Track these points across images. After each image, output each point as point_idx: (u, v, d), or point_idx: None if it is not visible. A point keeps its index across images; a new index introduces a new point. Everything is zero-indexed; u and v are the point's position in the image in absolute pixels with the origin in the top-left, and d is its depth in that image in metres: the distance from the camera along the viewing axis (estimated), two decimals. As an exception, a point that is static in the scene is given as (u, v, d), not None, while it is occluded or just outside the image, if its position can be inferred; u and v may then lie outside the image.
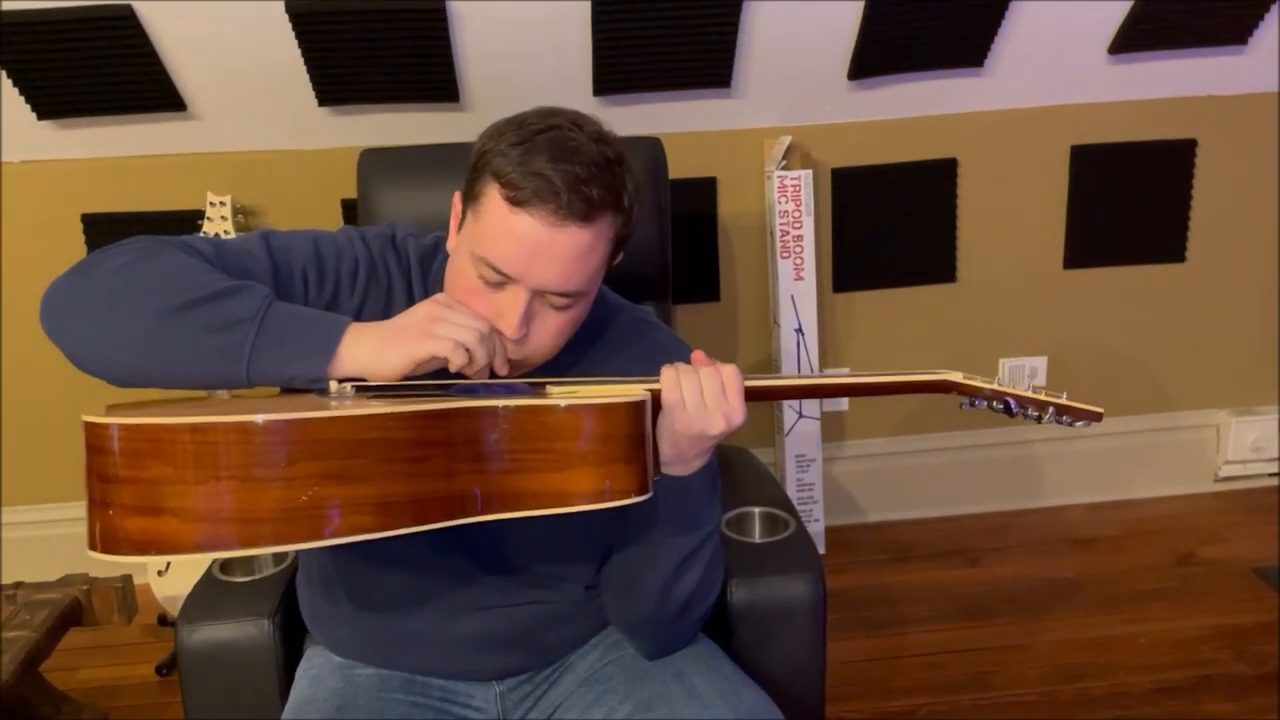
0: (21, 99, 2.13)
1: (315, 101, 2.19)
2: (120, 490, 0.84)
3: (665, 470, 1.08)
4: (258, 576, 1.43)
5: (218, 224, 2.19)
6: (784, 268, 2.41)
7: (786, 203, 2.38)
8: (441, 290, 1.12)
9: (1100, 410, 1.14)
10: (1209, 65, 2.42)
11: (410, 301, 1.15)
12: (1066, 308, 2.63)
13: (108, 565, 1.99)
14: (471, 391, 1.03)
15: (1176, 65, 2.41)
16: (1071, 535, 2.62)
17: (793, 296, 2.43)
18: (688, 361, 1.08)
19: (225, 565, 1.45)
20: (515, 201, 1.01)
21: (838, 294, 2.57)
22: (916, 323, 2.61)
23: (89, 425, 0.85)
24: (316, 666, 1.26)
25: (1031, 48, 2.31)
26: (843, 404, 2.65)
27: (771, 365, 2.54)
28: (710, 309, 2.53)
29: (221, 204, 2.21)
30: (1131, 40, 2.31)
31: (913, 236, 2.55)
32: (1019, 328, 2.64)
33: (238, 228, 2.21)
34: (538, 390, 1.03)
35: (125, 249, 1.03)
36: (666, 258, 1.83)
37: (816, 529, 2.57)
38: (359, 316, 1.11)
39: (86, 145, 2.26)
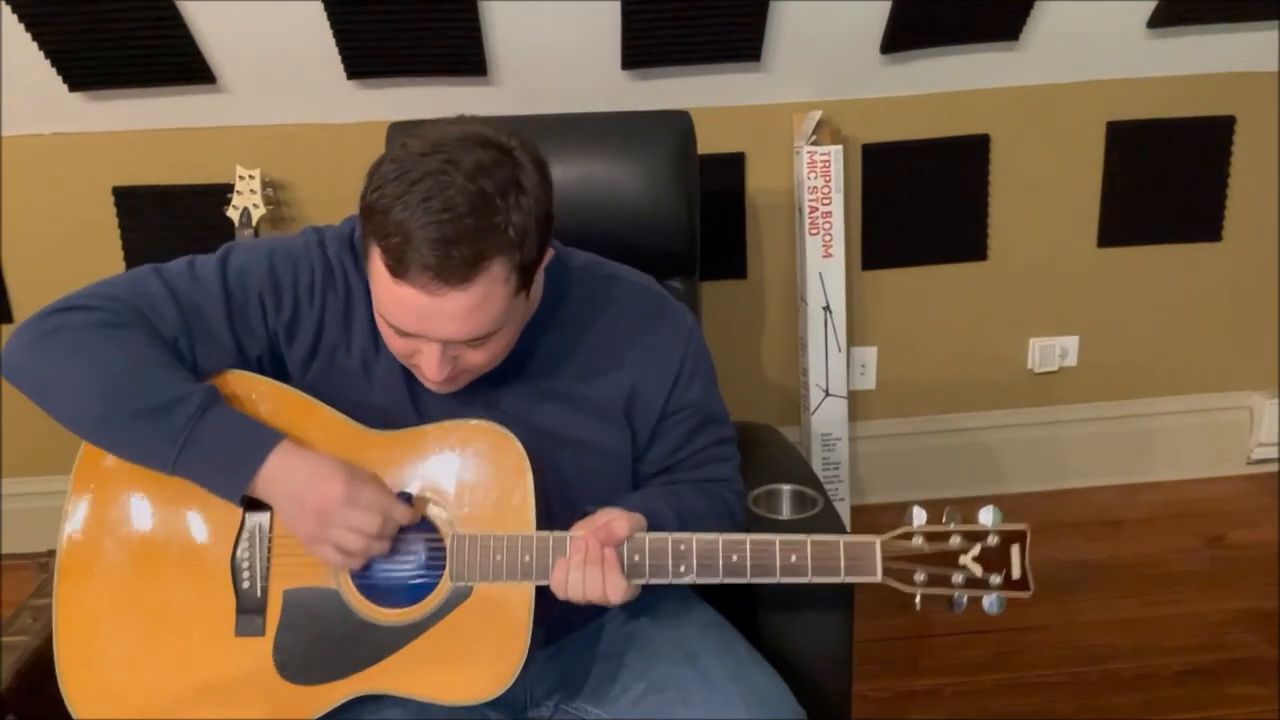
0: (54, 70, 2.14)
1: (344, 75, 2.19)
2: None
3: None
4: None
5: (247, 197, 2.20)
6: (812, 245, 2.39)
7: (816, 179, 2.35)
8: None
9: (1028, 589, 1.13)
10: (1249, 40, 2.37)
11: (369, 302, 1.16)
12: (1099, 287, 2.60)
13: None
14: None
15: (1216, 40, 2.36)
16: (1100, 517, 2.60)
17: (821, 274, 2.41)
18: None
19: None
20: (394, 272, 1.03)
21: (866, 272, 2.54)
22: (946, 301, 2.58)
23: None
24: None
25: (1068, 21, 2.27)
26: (869, 383, 2.63)
27: (798, 344, 2.53)
28: (737, 286, 2.52)
29: (250, 177, 2.21)
30: (1171, 14, 2.27)
31: (943, 214, 2.52)
32: (1050, 307, 2.61)
33: (267, 201, 2.22)
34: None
35: (82, 329, 1.10)
36: (694, 234, 1.82)
37: (842, 508, 2.56)
38: (320, 327, 1.18)
39: (117, 117, 2.27)
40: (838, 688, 1.41)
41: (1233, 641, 2.10)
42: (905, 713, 1.96)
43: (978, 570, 1.11)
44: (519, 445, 1.13)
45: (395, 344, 1.11)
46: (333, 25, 2.09)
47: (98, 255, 2.35)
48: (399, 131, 1.83)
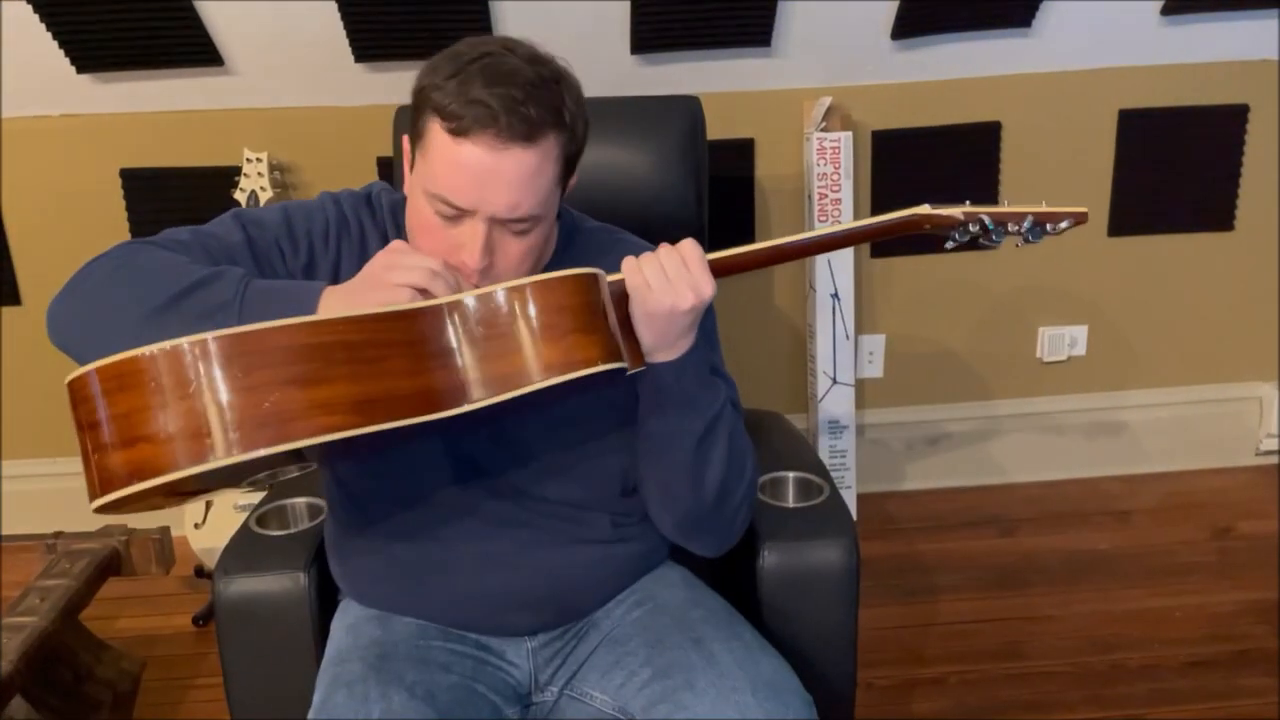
0: (61, 52, 2.14)
1: (352, 58, 2.18)
2: (102, 432, 0.88)
3: (651, 359, 1.11)
4: (294, 530, 1.44)
5: (254, 180, 2.20)
6: (821, 231, 2.38)
7: (825, 165, 2.34)
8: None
9: (1084, 210, 1.12)
10: (1263, 28, 2.35)
11: None
12: (1109, 276, 2.59)
13: (142, 517, 2.01)
14: None
15: (1230, 27, 2.34)
16: (1108, 507, 2.59)
17: (829, 261, 2.40)
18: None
19: (261, 519, 1.46)
20: (457, 132, 1.03)
21: (875, 259, 2.53)
22: (954, 289, 2.57)
23: (71, 384, 0.90)
24: (353, 617, 1.27)
25: (1081, 8, 2.25)
26: (877, 371, 2.63)
27: (806, 331, 2.52)
28: (746, 273, 2.50)
29: (258, 160, 2.21)
30: (1185, 1, 2.25)
31: (952, 201, 2.49)
32: (1060, 295, 2.60)
33: (274, 184, 2.21)
34: None
35: (107, 260, 1.09)
36: (703, 220, 1.81)
37: (849, 496, 2.56)
38: (336, 272, 1.17)
39: (125, 100, 2.27)
40: (843, 675, 1.40)
41: (1240, 633, 2.09)
42: (910, 701, 1.96)
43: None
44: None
45: (436, 236, 1.07)
46: (341, 8, 2.08)
47: (105, 237, 2.31)
48: (407, 115, 1.82)
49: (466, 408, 0.97)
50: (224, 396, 0.87)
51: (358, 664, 1.17)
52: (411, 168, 1.11)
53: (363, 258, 1.16)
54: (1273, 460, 2.74)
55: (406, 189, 1.14)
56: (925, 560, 2.39)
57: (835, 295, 2.43)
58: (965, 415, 2.67)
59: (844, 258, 2.40)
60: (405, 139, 1.13)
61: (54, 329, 1.07)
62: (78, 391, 0.90)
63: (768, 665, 1.16)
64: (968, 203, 1.16)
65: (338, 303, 1.01)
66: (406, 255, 1.03)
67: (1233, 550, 2.39)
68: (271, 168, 2.22)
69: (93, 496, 0.89)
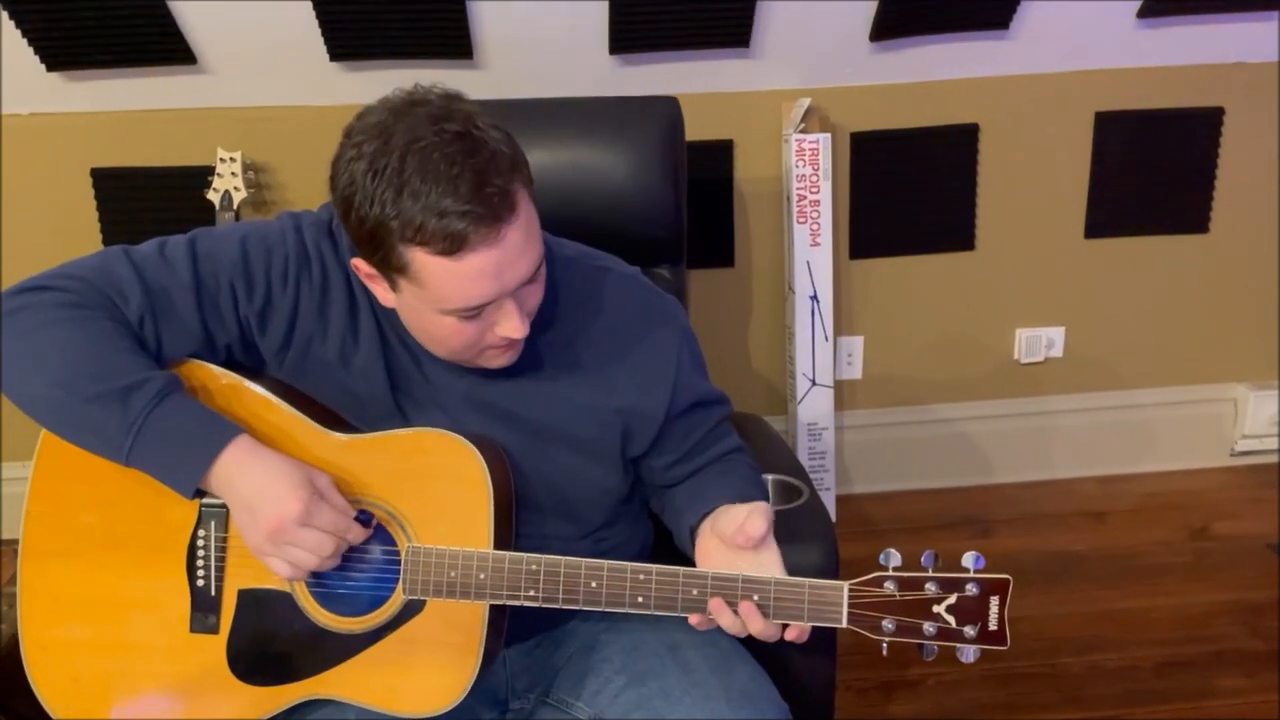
0: (30, 50, 2.10)
1: (327, 57, 2.16)
2: None
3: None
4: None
5: (228, 180, 2.17)
6: (800, 233, 2.38)
7: (804, 167, 2.34)
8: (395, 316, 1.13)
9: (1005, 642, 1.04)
10: (1239, 31, 2.37)
11: (349, 289, 1.15)
12: (1086, 278, 2.60)
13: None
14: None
15: (1206, 31, 2.35)
16: (1084, 508, 2.60)
17: (808, 263, 2.40)
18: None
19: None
20: (451, 252, 0.98)
21: (854, 260, 2.53)
22: (933, 291, 2.57)
23: None
24: None
25: (1059, 10, 2.26)
26: (856, 373, 2.63)
27: (785, 333, 2.52)
28: (725, 275, 2.50)
29: (231, 160, 2.18)
30: (1162, 5, 2.26)
31: (931, 203, 2.51)
32: (1037, 297, 2.61)
33: (248, 184, 2.19)
34: None
35: (42, 306, 1.09)
36: (681, 222, 1.80)
37: (828, 498, 2.56)
38: (294, 316, 1.14)
39: (96, 98, 2.23)
40: (821, 677, 1.40)
41: (1216, 633, 2.10)
42: (889, 704, 1.96)
43: (951, 621, 1.04)
44: (479, 459, 1.09)
45: (464, 334, 1.06)
46: (315, 6, 2.06)
47: (76, 238, 2.32)
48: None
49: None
50: None
51: None
52: (393, 288, 1.06)
53: (324, 300, 1.15)
54: (1248, 461, 2.75)
55: (391, 305, 1.10)
56: (904, 562, 2.39)
57: (814, 297, 2.42)
58: (943, 417, 2.68)
59: (823, 258, 2.39)
60: (357, 263, 1.08)
61: None
62: None
63: (743, 673, 1.16)
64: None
65: (234, 490, 1.04)
66: (304, 534, 1.03)
67: (1209, 551, 2.41)
68: (245, 167, 2.19)
69: None
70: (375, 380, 1.16)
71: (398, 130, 0.99)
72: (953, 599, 1.04)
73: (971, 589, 1.04)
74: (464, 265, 0.99)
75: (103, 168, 2.30)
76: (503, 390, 1.17)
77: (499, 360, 1.12)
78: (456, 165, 0.97)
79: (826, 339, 2.45)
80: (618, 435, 1.20)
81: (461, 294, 1.02)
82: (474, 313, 1.04)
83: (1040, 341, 2.63)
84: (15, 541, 1.93)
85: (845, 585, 1.05)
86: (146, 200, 2.31)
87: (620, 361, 1.19)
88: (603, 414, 1.19)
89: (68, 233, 2.33)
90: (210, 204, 2.17)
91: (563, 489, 1.18)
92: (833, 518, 2.52)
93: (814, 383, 2.49)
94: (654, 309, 1.23)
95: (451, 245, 0.98)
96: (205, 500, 1.12)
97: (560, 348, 1.19)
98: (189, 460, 1.04)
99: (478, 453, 1.10)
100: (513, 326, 1.05)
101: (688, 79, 2.28)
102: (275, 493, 1.03)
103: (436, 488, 1.11)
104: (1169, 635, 2.10)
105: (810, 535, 1.38)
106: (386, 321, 1.16)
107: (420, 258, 1.00)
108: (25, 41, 2.09)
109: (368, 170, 0.99)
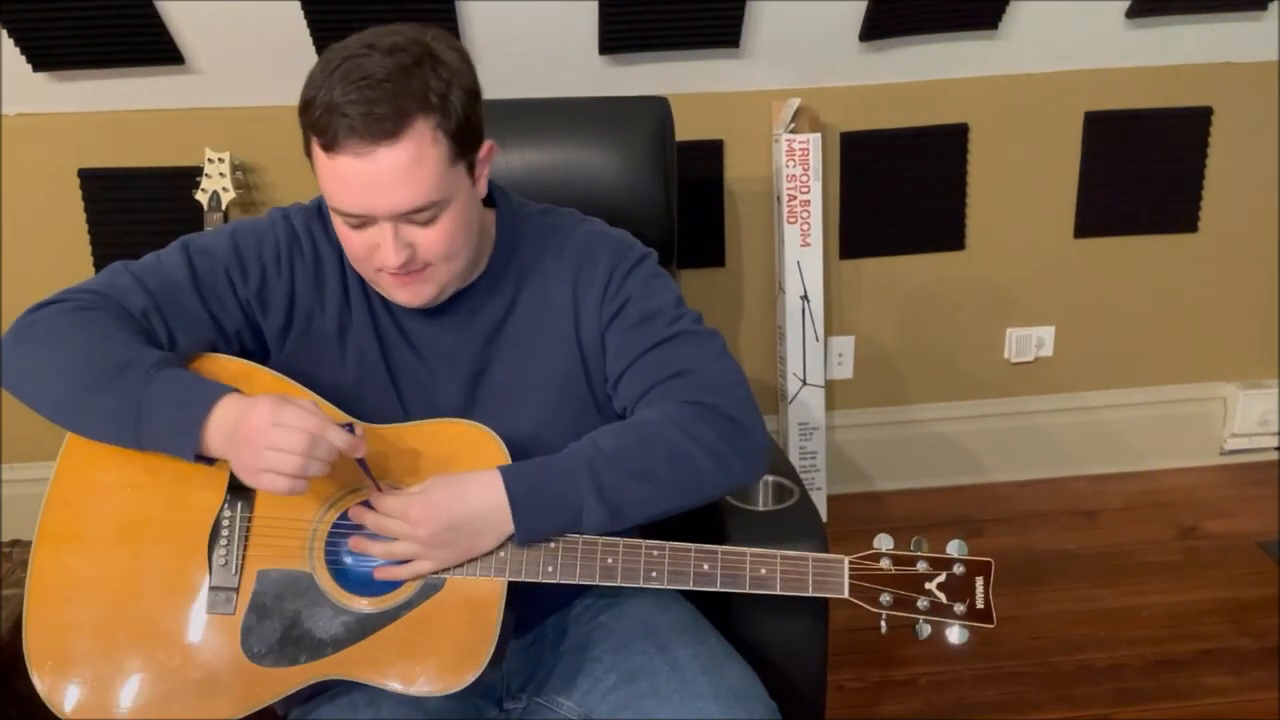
0: (17, 50, 2.09)
1: (316, 57, 2.15)
2: None
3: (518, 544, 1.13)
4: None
5: (216, 180, 2.16)
6: (790, 233, 2.38)
7: (794, 167, 2.34)
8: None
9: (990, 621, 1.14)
10: (1227, 31, 2.38)
11: (340, 265, 1.21)
12: (1076, 277, 2.60)
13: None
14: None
15: (1195, 30, 2.36)
16: (1075, 507, 2.61)
17: (799, 263, 2.40)
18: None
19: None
20: (327, 147, 1.05)
21: (844, 260, 2.53)
22: (923, 290, 2.58)
23: None
24: None
25: (1048, 9, 2.26)
26: (847, 372, 2.63)
27: (776, 333, 2.52)
28: (715, 274, 2.50)
29: (220, 160, 2.17)
30: (1150, 4, 2.26)
31: (922, 203, 2.51)
32: (1027, 297, 2.61)
33: (236, 185, 2.18)
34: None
35: (52, 315, 1.13)
36: (672, 222, 1.80)
37: (819, 498, 2.56)
38: (292, 293, 1.20)
39: (84, 98, 2.22)
40: (813, 677, 1.40)
41: (1206, 632, 2.11)
42: (880, 703, 1.96)
43: (942, 597, 1.13)
44: (499, 443, 1.14)
45: (353, 243, 1.12)
46: (304, 6, 2.05)
47: (64, 239, 2.31)
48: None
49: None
50: None
51: None
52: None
53: (318, 274, 1.21)
54: (1238, 459, 2.76)
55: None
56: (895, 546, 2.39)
57: (805, 297, 2.42)
58: (934, 416, 2.68)
59: (813, 258, 2.40)
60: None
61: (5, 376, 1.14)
62: None
63: (733, 672, 1.16)
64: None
65: (223, 434, 1.07)
66: (276, 433, 1.03)
67: (1199, 549, 2.41)
68: (234, 168, 2.19)
69: None
70: (369, 355, 1.21)
71: (357, 40, 1.08)
72: (942, 577, 1.14)
73: (959, 569, 1.13)
74: (336, 165, 1.05)
75: (90, 168, 2.29)
76: (472, 348, 1.22)
77: (398, 294, 1.15)
78: (369, 80, 1.03)
79: (817, 339, 2.45)
80: (579, 369, 1.23)
81: (333, 193, 1.08)
82: (355, 221, 1.09)
83: (1030, 341, 2.63)
84: (14, 543, 1.93)
85: (846, 559, 1.14)
86: (134, 201, 2.30)
87: (568, 285, 1.23)
88: (565, 353, 1.23)
89: (55, 234, 2.31)
90: (199, 204, 2.16)
91: (541, 437, 1.20)
92: (824, 517, 2.52)
93: (805, 382, 2.49)
94: (602, 237, 1.27)
95: (326, 141, 1.05)
96: (231, 485, 1.15)
97: (526, 299, 1.23)
98: (185, 422, 1.08)
99: (498, 438, 1.14)
100: (384, 255, 1.09)
101: (678, 79, 2.28)
102: (249, 408, 1.07)
103: (454, 470, 1.14)
104: (1159, 634, 2.11)
105: (802, 535, 1.38)
106: (374, 294, 1.21)
107: (314, 144, 1.08)
108: (11, 42, 2.07)
109: (318, 66, 1.08)
